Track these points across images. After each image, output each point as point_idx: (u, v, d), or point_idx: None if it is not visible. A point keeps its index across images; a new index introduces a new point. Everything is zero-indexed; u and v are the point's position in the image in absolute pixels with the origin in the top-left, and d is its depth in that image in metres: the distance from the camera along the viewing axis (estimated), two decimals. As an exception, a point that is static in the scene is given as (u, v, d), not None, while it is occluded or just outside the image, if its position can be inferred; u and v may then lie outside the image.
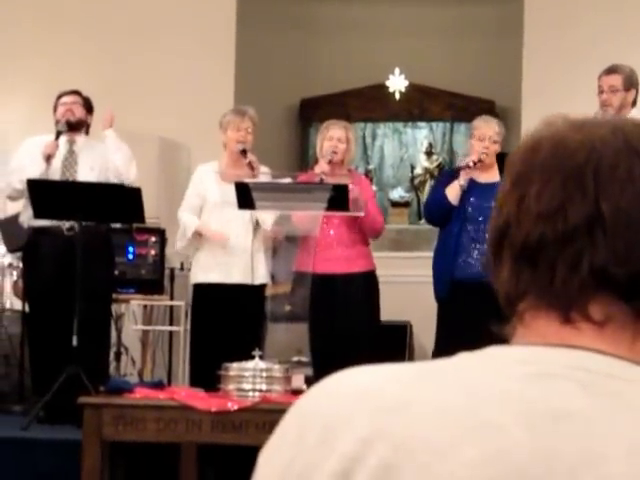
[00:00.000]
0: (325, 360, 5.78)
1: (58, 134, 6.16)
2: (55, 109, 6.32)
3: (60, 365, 5.74)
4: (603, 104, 5.91)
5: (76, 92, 6.36)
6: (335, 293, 6.06)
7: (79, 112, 6.29)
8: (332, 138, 6.16)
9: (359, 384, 0.93)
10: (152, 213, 6.68)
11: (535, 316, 0.94)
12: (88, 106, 6.38)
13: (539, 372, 0.90)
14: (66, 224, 6.08)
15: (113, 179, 6.13)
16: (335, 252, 6.08)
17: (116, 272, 6.79)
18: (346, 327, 6.03)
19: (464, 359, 0.94)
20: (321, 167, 6.10)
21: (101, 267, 6.09)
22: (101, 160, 6.21)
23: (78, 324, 5.77)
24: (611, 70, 5.97)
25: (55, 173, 6.15)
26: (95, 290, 5.96)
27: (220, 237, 6.09)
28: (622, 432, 0.86)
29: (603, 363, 0.90)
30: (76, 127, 6.26)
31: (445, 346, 5.60)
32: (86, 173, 6.17)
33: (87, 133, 6.39)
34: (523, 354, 0.92)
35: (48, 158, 6.09)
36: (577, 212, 0.91)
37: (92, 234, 6.01)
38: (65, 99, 6.31)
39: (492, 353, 0.93)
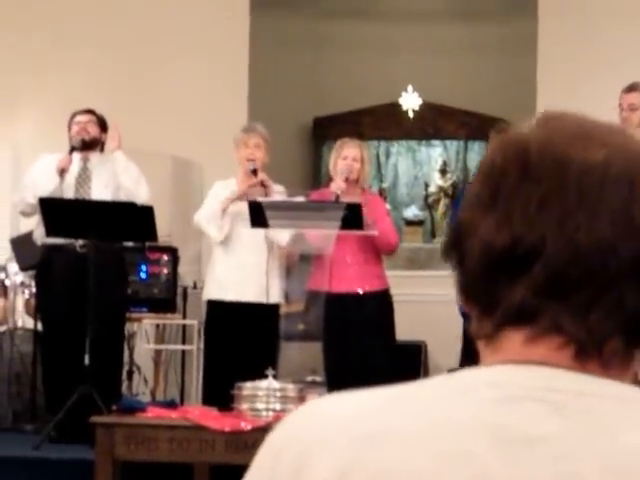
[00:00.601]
0: (339, 380, 5.75)
1: (72, 149, 6.19)
2: (69, 128, 6.35)
3: (73, 384, 5.75)
4: (623, 121, 5.96)
5: (90, 111, 6.40)
6: (349, 312, 6.05)
7: (93, 131, 6.32)
8: (347, 157, 6.16)
9: (332, 413, 0.92)
10: (165, 231, 6.68)
11: (504, 336, 0.94)
12: (102, 124, 6.41)
13: (508, 395, 0.89)
14: (79, 242, 6.09)
15: (124, 198, 6.14)
16: (349, 271, 6.07)
17: (129, 291, 6.78)
18: (361, 346, 6.03)
19: (437, 383, 0.94)
20: (337, 185, 6.09)
21: (114, 285, 6.09)
22: (115, 178, 6.22)
23: (91, 343, 5.78)
24: (631, 88, 6.05)
25: (69, 190, 6.18)
26: (108, 309, 5.97)
27: (238, 193, 6.06)
28: (595, 451, 0.86)
29: (570, 381, 0.90)
30: (90, 145, 6.29)
31: (471, 359, 5.57)
32: (100, 191, 6.19)
33: (102, 150, 6.41)
34: (491, 376, 0.91)
35: (62, 172, 6.11)
36: (539, 230, 0.91)
37: (105, 252, 6.02)
38: (79, 118, 6.34)
39: (462, 377, 0.93)
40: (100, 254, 5.95)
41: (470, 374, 0.93)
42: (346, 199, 5.94)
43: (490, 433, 0.88)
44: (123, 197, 6.16)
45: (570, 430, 0.87)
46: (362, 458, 0.88)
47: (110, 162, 6.31)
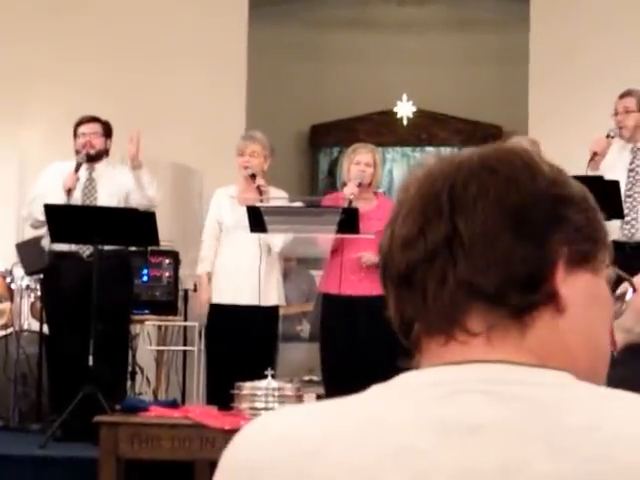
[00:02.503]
0: (339, 380, 5.85)
1: (78, 166, 6.19)
2: (75, 135, 6.34)
3: (78, 385, 5.79)
4: (619, 125, 6.10)
5: (95, 119, 6.37)
6: (360, 315, 6.06)
7: (98, 143, 6.30)
8: (360, 162, 6.22)
9: (277, 429, 0.94)
10: (166, 236, 6.81)
11: (426, 341, 0.96)
12: (107, 131, 6.39)
13: (450, 391, 0.91)
14: (86, 251, 6.15)
15: (135, 204, 6.18)
16: (358, 274, 6.11)
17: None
18: (368, 348, 6.01)
19: (378, 390, 0.95)
20: (350, 189, 6.15)
21: (119, 290, 6.15)
22: (120, 186, 6.25)
23: (95, 345, 5.83)
24: (626, 93, 6.18)
25: (76, 201, 6.19)
26: (112, 312, 6.02)
27: (202, 296, 6.31)
28: (538, 434, 0.87)
29: (507, 372, 0.92)
30: (95, 158, 6.31)
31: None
32: (105, 200, 6.23)
33: (107, 155, 6.42)
34: (431, 376, 0.93)
35: (69, 191, 6.13)
36: (435, 233, 0.95)
37: (111, 258, 6.09)
38: (84, 129, 6.30)
39: (402, 381, 0.94)
40: (105, 260, 6.00)
41: (412, 377, 0.94)
42: (359, 204, 6.04)
43: (432, 427, 0.89)
44: (133, 203, 6.19)
45: (512, 417, 0.89)
46: (307, 470, 0.90)
47: (117, 168, 6.34)
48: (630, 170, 6.08)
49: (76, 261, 6.18)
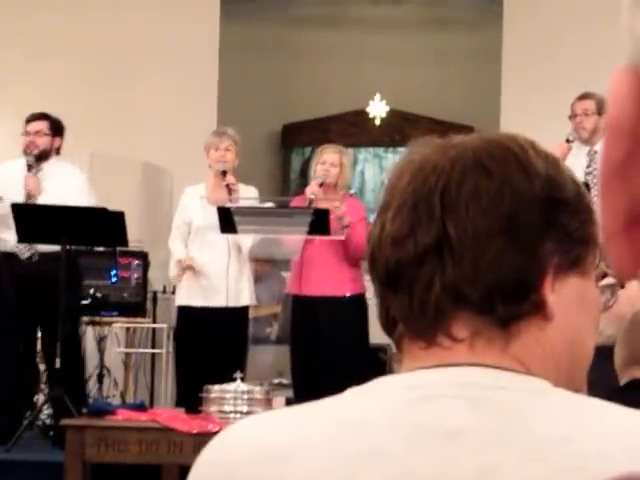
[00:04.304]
0: (308, 383, 5.83)
1: (29, 167, 6.08)
2: (25, 133, 6.19)
3: (26, 390, 5.80)
4: (577, 126, 6.10)
5: (43, 116, 6.20)
6: (323, 316, 6.06)
7: (43, 142, 6.15)
8: (325, 162, 6.21)
9: (246, 439, 0.93)
10: (135, 237, 6.75)
11: (409, 343, 0.95)
12: (56, 130, 6.23)
13: (426, 395, 0.90)
14: (25, 253, 6.05)
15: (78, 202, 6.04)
16: (324, 275, 6.10)
17: (99, 295, 6.84)
18: (332, 350, 6.02)
19: (353, 393, 0.94)
20: (312, 189, 6.14)
21: (66, 291, 5.99)
22: (66, 187, 6.10)
23: (45, 349, 5.81)
24: (584, 96, 6.19)
25: (17, 201, 6.00)
26: (63, 314, 5.90)
27: (190, 266, 6.17)
28: (512, 441, 0.87)
29: (486, 376, 0.91)
30: (41, 158, 6.15)
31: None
32: (48, 201, 6.06)
33: (58, 153, 6.27)
34: (408, 380, 0.93)
35: (29, 196, 6.03)
36: (425, 235, 0.93)
37: (58, 259, 5.97)
38: (30, 127, 6.17)
39: (378, 384, 0.94)
40: (52, 262, 5.91)
41: (388, 380, 0.94)
42: (324, 203, 6.02)
43: (409, 432, 0.88)
44: (77, 201, 6.06)
45: (486, 423, 0.88)
46: (278, 475, 0.89)
47: (65, 167, 6.20)
48: (587, 173, 6.08)
49: (14, 263, 6.06)
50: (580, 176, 6.00)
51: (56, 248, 5.98)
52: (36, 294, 5.97)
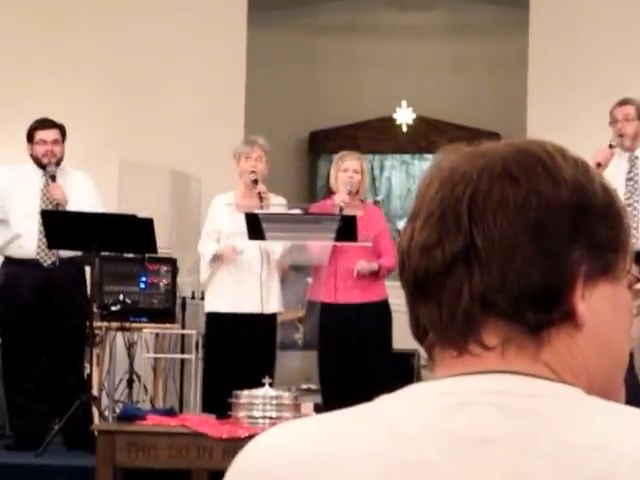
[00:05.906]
0: (337, 389, 5.86)
1: (53, 177, 6.07)
2: (31, 139, 6.13)
3: (37, 396, 5.90)
4: (618, 133, 6.07)
5: (54, 124, 6.17)
6: (348, 322, 6.10)
7: (59, 151, 6.15)
8: (347, 169, 6.24)
9: (279, 446, 0.93)
10: (164, 243, 6.80)
11: (440, 351, 0.96)
12: (64, 136, 6.22)
13: (460, 402, 0.90)
14: (47, 260, 6.07)
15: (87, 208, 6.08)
16: (349, 282, 6.13)
17: (129, 301, 6.89)
18: (359, 356, 6.06)
19: (385, 401, 0.94)
20: (341, 197, 6.17)
21: (79, 296, 6.12)
22: (77, 193, 6.13)
23: (50, 355, 5.93)
24: (624, 102, 6.16)
25: (36, 209, 6.04)
26: (77, 317, 6.04)
27: (231, 251, 6.16)
28: (542, 449, 0.87)
29: (518, 384, 0.91)
30: (58, 165, 6.16)
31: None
32: (74, 206, 6.08)
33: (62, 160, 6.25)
34: (441, 387, 0.93)
35: (58, 206, 6.06)
36: (453, 244, 0.93)
37: (72, 265, 6.06)
38: (44, 136, 6.11)
39: (411, 391, 0.94)
40: (66, 267, 6.00)
41: (421, 387, 0.94)
42: (348, 211, 6.03)
43: (442, 439, 0.89)
44: (86, 207, 6.09)
45: (518, 430, 0.88)
46: None
47: (71, 172, 6.23)
48: (628, 179, 6.07)
49: (35, 269, 6.08)
50: (621, 182, 5.99)
51: (70, 253, 6.06)
52: (54, 298, 6.02)
